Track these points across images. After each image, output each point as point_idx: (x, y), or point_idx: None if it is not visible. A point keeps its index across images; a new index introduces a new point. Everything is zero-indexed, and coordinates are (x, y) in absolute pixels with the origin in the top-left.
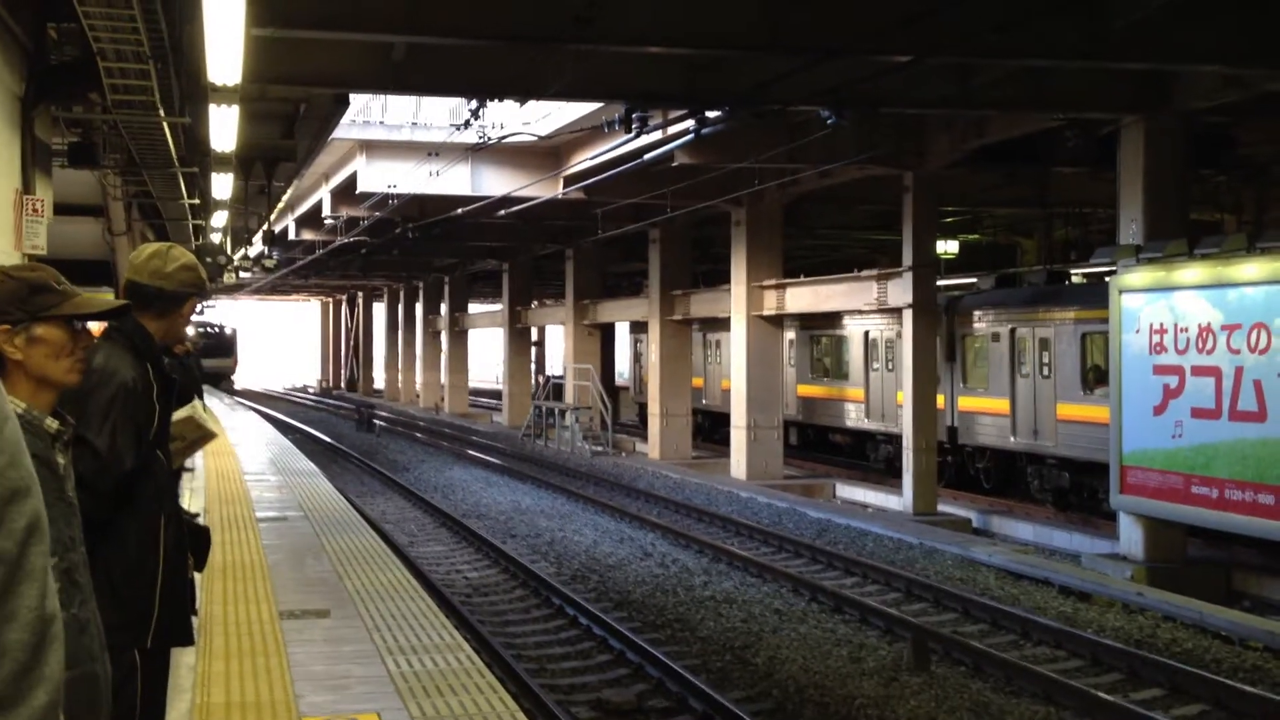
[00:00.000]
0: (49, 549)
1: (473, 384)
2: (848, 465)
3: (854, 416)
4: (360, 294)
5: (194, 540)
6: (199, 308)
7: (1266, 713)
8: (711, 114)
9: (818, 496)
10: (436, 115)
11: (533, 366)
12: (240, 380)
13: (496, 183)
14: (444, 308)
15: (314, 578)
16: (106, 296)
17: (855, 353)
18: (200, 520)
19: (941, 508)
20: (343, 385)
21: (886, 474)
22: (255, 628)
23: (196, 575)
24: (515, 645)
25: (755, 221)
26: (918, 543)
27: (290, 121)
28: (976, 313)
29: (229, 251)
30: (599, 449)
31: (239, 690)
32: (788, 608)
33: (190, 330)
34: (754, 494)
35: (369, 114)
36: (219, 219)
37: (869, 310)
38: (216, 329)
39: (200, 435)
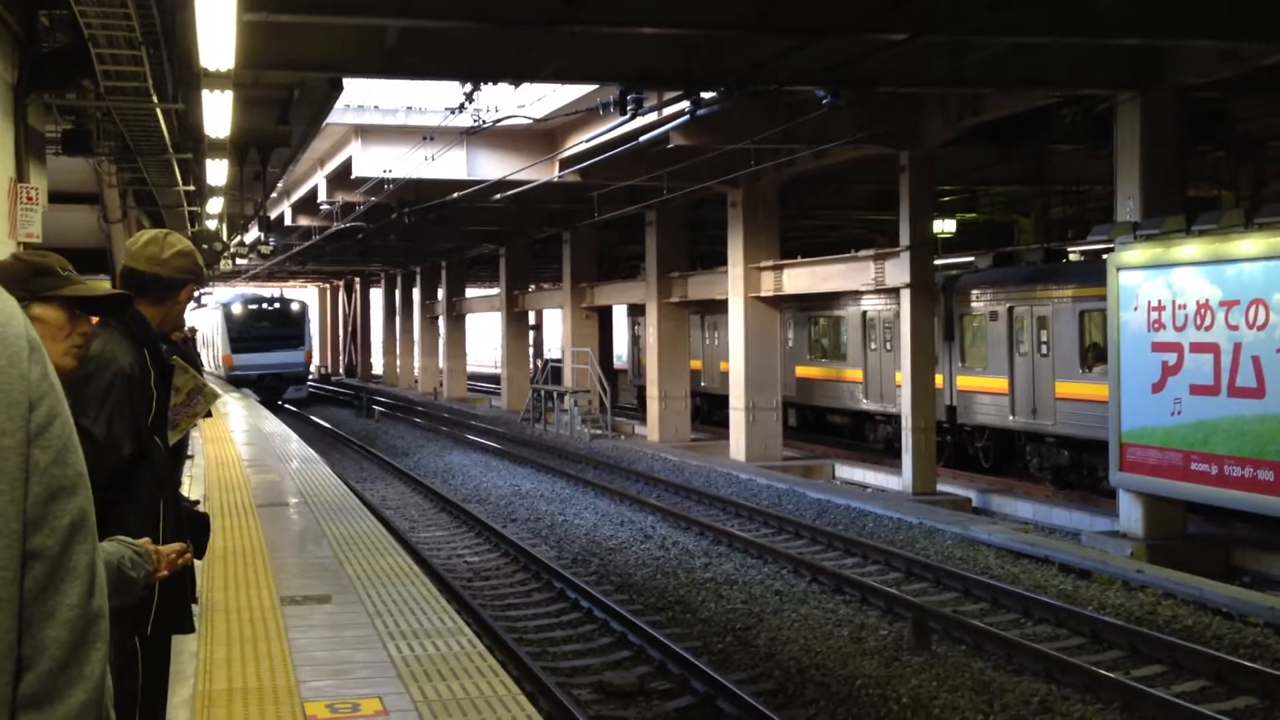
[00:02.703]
0: (95, 547)
1: (471, 368)
2: (847, 446)
3: (853, 397)
4: (357, 279)
5: (194, 527)
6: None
7: (1268, 688)
8: (706, 95)
9: (817, 477)
10: (431, 99)
11: (531, 350)
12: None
13: (492, 166)
14: (441, 292)
15: (315, 563)
16: (105, 285)
17: (853, 333)
18: (200, 507)
19: (941, 487)
20: (341, 371)
21: (885, 454)
22: (256, 613)
23: (197, 562)
24: (517, 629)
25: (751, 203)
26: (917, 522)
27: (284, 107)
28: (974, 292)
29: (225, 238)
30: (598, 432)
31: (240, 676)
32: (788, 589)
33: (236, 307)
34: (753, 475)
35: (364, 98)
36: (214, 205)
37: (867, 290)
38: (276, 304)
39: (194, 385)
